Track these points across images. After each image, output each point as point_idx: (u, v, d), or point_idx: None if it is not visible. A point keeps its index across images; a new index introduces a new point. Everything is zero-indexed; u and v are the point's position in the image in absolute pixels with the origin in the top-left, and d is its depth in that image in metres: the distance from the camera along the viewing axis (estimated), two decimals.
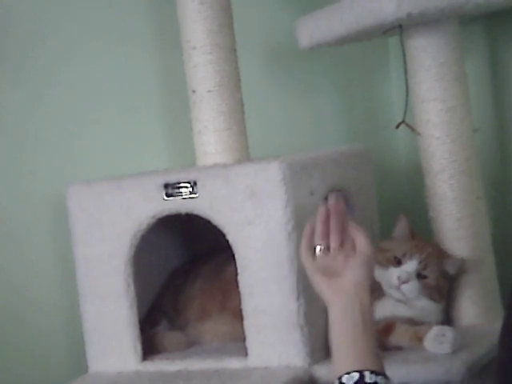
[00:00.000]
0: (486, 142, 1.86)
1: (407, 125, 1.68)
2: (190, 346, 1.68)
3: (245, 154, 1.70)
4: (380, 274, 1.55)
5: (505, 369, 1.13)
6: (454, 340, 1.47)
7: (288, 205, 1.50)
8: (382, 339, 1.49)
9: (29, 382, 1.82)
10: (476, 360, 1.47)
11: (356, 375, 1.14)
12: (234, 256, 1.54)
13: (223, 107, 1.67)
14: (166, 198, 1.57)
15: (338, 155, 1.67)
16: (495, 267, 1.71)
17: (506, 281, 1.66)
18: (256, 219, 1.51)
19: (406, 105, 1.66)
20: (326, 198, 1.37)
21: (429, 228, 1.71)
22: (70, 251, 1.67)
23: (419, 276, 1.56)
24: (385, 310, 1.55)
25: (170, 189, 1.57)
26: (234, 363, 1.55)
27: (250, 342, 1.53)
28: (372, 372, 1.15)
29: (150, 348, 1.64)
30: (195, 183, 1.55)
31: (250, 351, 1.53)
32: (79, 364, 1.69)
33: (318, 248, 1.30)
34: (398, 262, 1.56)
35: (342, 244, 1.29)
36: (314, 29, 1.73)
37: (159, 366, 1.61)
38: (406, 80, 1.68)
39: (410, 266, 1.55)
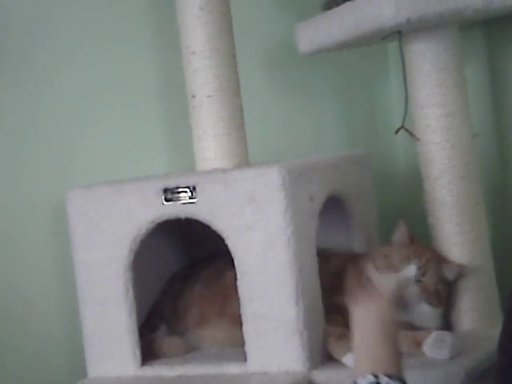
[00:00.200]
0: (486, 148, 1.86)
1: (406, 130, 1.68)
2: (189, 351, 1.67)
3: (244, 159, 1.70)
4: (379, 278, 1.55)
5: (504, 374, 1.13)
6: (453, 345, 1.47)
7: (287, 210, 1.50)
8: None
9: None
10: (475, 365, 1.47)
11: (371, 378, 1.15)
12: (233, 261, 1.54)
13: (223, 112, 1.67)
14: (165, 202, 1.57)
15: (337, 160, 1.67)
16: (494, 273, 1.71)
17: (506, 286, 1.66)
18: (255, 224, 1.51)
19: (406, 110, 1.66)
20: None
21: (428, 233, 1.71)
22: (69, 256, 1.67)
23: (418, 281, 1.56)
24: None
25: (170, 194, 1.57)
26: (233, 368, 1.55)
27: (249, 347, 1.53)
28: (387, 375, 1.15)
29: (149, 353, 1.64)
30: (194, 188, 1.55)
31: (249, 356, 1.53)
32: (78, 369, 1.69)
33: None
34: (397, 268, 1.56)
35: None
36: (314, 34, 1.73)
37: (158, 371, 1.61)
38: (406, 85, 1.68)
39: (409, 271, 1.56)
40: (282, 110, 2.00)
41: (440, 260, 1.61)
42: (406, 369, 1.40)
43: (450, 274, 1.60)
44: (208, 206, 1.54)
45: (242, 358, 1.54)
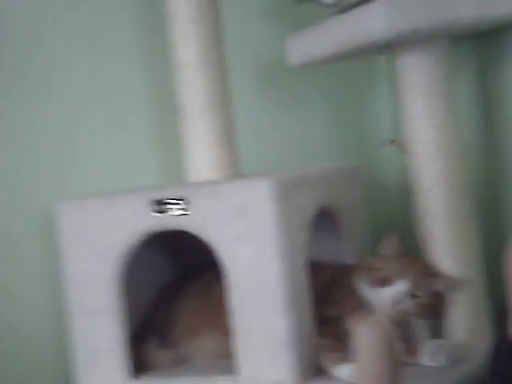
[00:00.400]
0: (477, 160, 1.86)
1: (394, 143, 1.68)
2: (180, 363, 1.67)
3: (236, 171, 1.70)
4: (371, 293, 1.54)
5: None
6: (449, 353, 1.48)
7: (278, 222, 1.49)
8: None
9: None
10: (465, 378, 1.47)
11: None
12: (223, 271, 1.53)
13: (214, 124, 1.67)
14: (156, 214, 1.57)
15: (328, 172, 1.68)
16: (486, 285, 1.71)
17: (497, 298, 1.66)
18: (246, 236, 1.51)
19: (397, 123, 1.66)
20: None
21: (419, 246, 1.71)
22: (58, 267, 1.66)
23: (413, 296, 1.54)
24: None
25: (161, 205, 1.57)
26: (223, 381, 1.54)
27: (240, 360, 1.53)
28: None
29: (139, 365, 1.63)
30: (186, 200, 1.55)
31: (238, 369, 1.53)
32: (68, 382, 1.68)
33: None
34: (390, 282, 1.55)
35: None
36: (304, 47, 1.74)
37: (148, 383, 1.60)
38: (396, 97, 1.68)
39: (403, 285, 1.54)
40: (274, 121, 2.00)
41: (432, 273, 1.60)
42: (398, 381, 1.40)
43: (442, 288, 1.59)
44: (199, 218, 1.54)
45: (232, 370, 1.54)
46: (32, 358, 1.84)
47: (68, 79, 1.88)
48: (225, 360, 1.59)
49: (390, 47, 1.68)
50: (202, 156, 1.68)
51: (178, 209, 1.55)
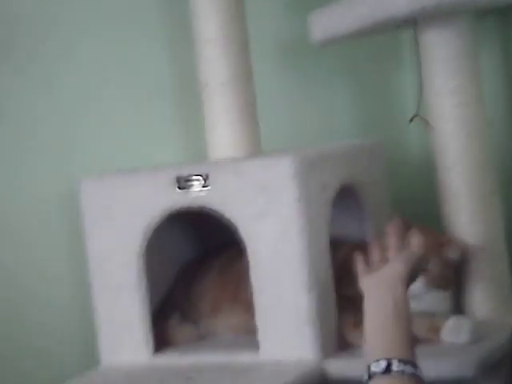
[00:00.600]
0: (500, 137, 1.85)
1: (421, 119, 1.67)
2: (202, 339, 1.68)
3: (257, 148, 1.70)
4: None
5: None
6: (472, 329, 1.48)
7: (300, 199, 1.49)
8: None
9: (41, 375, 1.83)
10: (488, 355, 1.46)
11: (383, 363, 1.15)
12: (245, 249, 1.54)
13: (235, 101, 1.67)
14: (178, 191, 1.57)
15: (350, 149, 1.67)
16: (510, 262, 1.70)
17: None
18: (268, 214, 1.51)
19: (420, 99, 1.65)
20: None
21: (441, 222, 1.70)
22: (82, 245, 1.67)
23: (423, 271, 1.54)
24: None
25: (183, 182, 1.57)
26: (245, 357, 1.55)
27: (262, 336, 1.53)
28: (400, 360, 1.15)
29: (162, 341, 1.64)
30: (207, 176, 1.55)
31: (261, 345, 1.54)
32: (92, 356, 1.70)
33: None
34: None
35: None
36: (327, 22, 1.72)
37: (171, 359, 1.62)
38: (420, 74, 1.67)
39: None
40: (295, 97, 1.99)
41: (441, 242, 1.59)
42: (419, 358, 1.40)
43: (453, 255, 1.58)
44: (220, 195, 1.54)
45: (255, 346, 1.54)
46: (57, 333, 1.86)
47: (90, 56, 1.88)
48: (247, 335, 1.60)
49: (414, 22, 1.66)
50: (223, 133, 1.68)
51: (200, 185, 1.56)
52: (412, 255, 1.30)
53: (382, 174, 1.75)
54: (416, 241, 1.31)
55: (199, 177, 1.56)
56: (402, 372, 1.14)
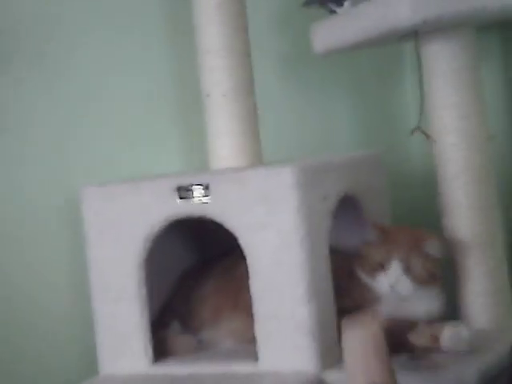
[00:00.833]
0: (501, 149, 1.85)
1: (422, 131, 1.67)
2: (202, 348, 1.68)
3: (258, 158, 1.70)
4: (370, 281, 1.56)
5: None
6: (471, 338, 1.48)
7: (300, 209, 1.49)
8: (402, 337, 1.49)
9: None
10: (488, 367, 1.46)
11: None
12: (244, 255, 1.54)
13: (237, 111, 1.68)
14: (179, 200, 1.58)
15: (351, 160, 1.67)
16: (510, 275, 1.70)
17: None
18: (268, 224, 1.51)
19: (421, 111, 1.66)
20: None
21: (442, 234, 1.70)
22: (82, 253, 1.67)
23: (407, 271, 1.54)
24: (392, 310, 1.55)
25: (183, 192, 1.57)
26: (244, 367, 1.55)
27: (261, 347, 1.53)
28: None
29: (161, 351, 1.64)
30: (208, 186, 1.55)
31: (260, 356, 1.53)
32: (90, 366, 1.70)
33: None
34: (382, 267, 1.55)
35: None
36: (329, 34, 1.73)
37: (170, 369, 1.61)
38: (421, 86, 1.67)
39: (395, 268, 1.54)
40: (297, 108, 2.00)
41: (418, 238, 1.58)
42: (419, 370, 1.41)
43: (433, 250, 1.57)
44: (221, 205, 1.54)
45: (254, 356, 1.54)
46: (56, 342, 1.86)
47: (91, 63, 1.89)
48: (247, 344, 1.59)
49: (415, 35, 1.67)
50: (225, 143, 1.68)
51: (201, 195, 1.56)
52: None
53: (383, 184, 1.75)
54: None
55: (200, 186, 1.56)
56: None
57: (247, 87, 1.68)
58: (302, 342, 1.50)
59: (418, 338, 1.50)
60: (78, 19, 1.88)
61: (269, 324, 1.52)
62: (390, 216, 1.76)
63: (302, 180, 1.50)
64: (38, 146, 1.86)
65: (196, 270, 1.77)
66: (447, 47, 1.65)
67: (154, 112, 1.92)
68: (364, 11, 1.64)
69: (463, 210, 1.67)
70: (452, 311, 1.63)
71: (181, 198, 1.57)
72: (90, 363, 1.71)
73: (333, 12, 1.73)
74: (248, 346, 1.58)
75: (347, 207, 1.64)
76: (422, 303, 1.57)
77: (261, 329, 1.53)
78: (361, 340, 1.23)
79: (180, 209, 1.58)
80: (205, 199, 1.55)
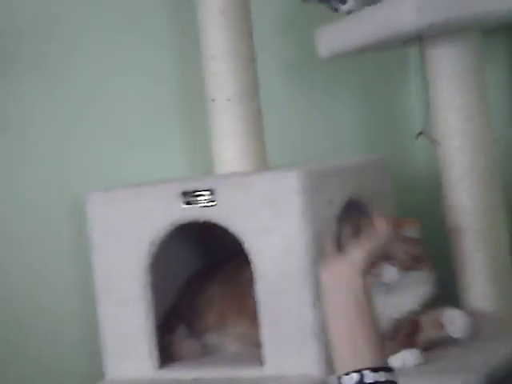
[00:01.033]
0: (506, 151, 1.85)
1: (426, 135, 1.67)
2: (207, 353, 1.68)
3: (263, 162, 1.70)
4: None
5: None
6: (471, 324, 1.50)
7: (306, 214, 1.50)
8: (411, 339, 1.50)
9: None
10: (493, 372, 1.46)
11: (355, 376, 1.09)
12: (249, 259, 1.54)
13: (242, 115, 1.68)
14: (184, 205, 1.58)
15: (356, 165, 1.67)
16: None
17: None
18: (273, 228, 1.51)
19: (426, 114, 1.65)
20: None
21: (447, 238, 1.70)
22: (83, 253, 1.68)
23: (390, 260, 1.52)
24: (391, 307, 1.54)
25: (189, 197, 1.58)
26: (249, 372, 1.55)
27: (266, 351, 1.53)
28: (372, 369, 1.09)
29: (166, 355, 1.64)
30: (213, 191, 1.56)
31: (265, 360, 1.53)
32: (97, 370, 1.70)
33: None
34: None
35: None
36: (334, 38, 1.73)
37: (176, 373, 1.61)
38: (426, 89, 1.67)
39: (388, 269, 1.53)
40: (301, 111, 2.00)
41: (395, 225, 1.53)
42: (423, 376, 1.40)
43: (411, 232, 1.55)
44: (226, 210, 1.54)
45: (259, 361, 1.54)
46: (62, 346, 1.86)
47: (96, 67, 1.89)
48: (253, 348, 1.60)
49: (420, 38, 1.67)
50: (229, 147, 1.69)
51: (206, 200, 1.56)
52: (369, 242, 1.20)
53: (388, 188, 1.75)
54: (379, 227, 1.23)
55: (205, 192, 1.56)
56: (376, 383, 1.08)
57: (252, 92, 1.68)
58: (307, 347, 1.50)
59: (428, 334, 1.51)
60: (78, 19, 1.88)
61: (274, 328, 1.52)
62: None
63: (307, 184, 1.50)
64: (38, 146, 1.86)
65: (201, 275, 1.77)
66: (452, 50, 1.64)
67: (156, 113, 1.92)
68: (368, 16, 1.63)
69: (468, 212, 1.67)
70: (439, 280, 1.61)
71: (186, 204, 1.58)
72: (96, 368, 1.71)
73: (335, 10, 1.72)
74: (253, 351, 1.58)
75: (353, 211, 1.64)
76: (413, 290, 1.55)
77: (266, 333, 1.53)
78: (343, 296, 1.14)
79: (185, 213, 1.58)
80: (210, 204, 1.56)
